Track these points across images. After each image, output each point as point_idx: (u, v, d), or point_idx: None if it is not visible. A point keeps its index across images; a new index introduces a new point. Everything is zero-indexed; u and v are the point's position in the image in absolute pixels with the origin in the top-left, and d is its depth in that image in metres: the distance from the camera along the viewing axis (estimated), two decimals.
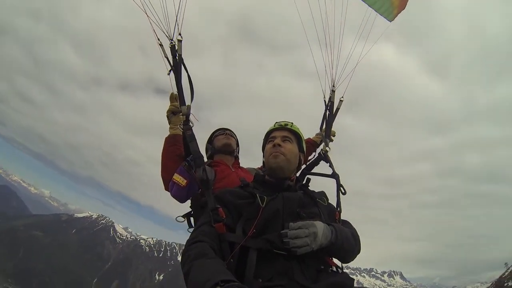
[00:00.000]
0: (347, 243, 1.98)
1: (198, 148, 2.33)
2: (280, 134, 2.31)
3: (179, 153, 2.62)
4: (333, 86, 3.10)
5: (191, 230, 2.18)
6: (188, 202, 2.66)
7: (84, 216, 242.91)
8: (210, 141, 3.22)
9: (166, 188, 2.64)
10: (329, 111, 3.14)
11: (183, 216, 2.55)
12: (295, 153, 2.30)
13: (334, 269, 2.00)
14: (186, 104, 2.41)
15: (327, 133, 3.10)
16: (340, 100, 3.12)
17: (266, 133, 2.42)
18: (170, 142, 2.66)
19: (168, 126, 2.73)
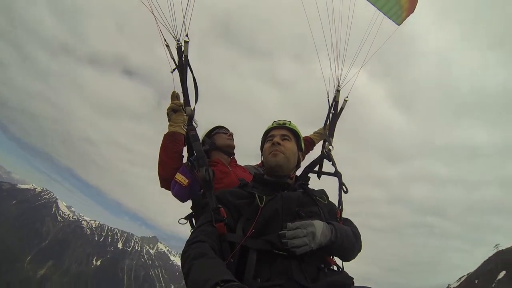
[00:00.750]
0: (347, 241, 1.97)
1: (202, 148, 2.36)
2: (279, 133, 2.32)
3: (177, 150, 2.63)
4: (339, 86, 3.14)
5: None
6: (188, 202, 2.67)
7: (27, 188, 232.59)
8: (209, 135, 3.18)
9: (162, 185, 2.69)
10: (333, 110, 3.17)
11: (185, 218, 2.54)
12: (294, 151, 2.32)
13: (335, 268, 2.03)
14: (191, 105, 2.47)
15: (330, 132, 3.10)
16: (345, 100, 3.17)
17: (265, 132, 2.43)
18: (169, 139, 2.64)
19: (168, 123, 2.72)
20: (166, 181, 2.62)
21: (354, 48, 3.03)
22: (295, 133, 2.37)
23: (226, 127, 3.23)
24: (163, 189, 2.72)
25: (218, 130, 3.16)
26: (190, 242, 1.77)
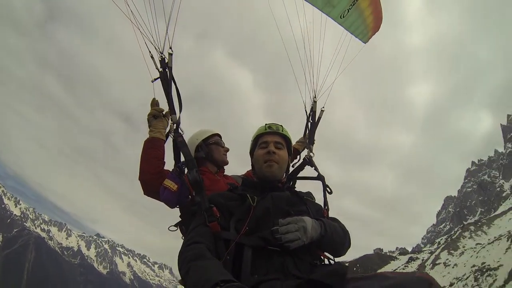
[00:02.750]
0: (336, 235, 2.04)
1: (190, 152, 2.41)
2: (272, 140, 2.30)
3: (155, 155, 2.63)
4: (315, 97, 3.36)
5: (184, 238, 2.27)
6: (176, 209, 2.70)
7: None
8: (206, 142, 3.16)
9: (145, 192, 2.68)
10: (311, 120, 3.39)
11: (175, 225, 2.59)
12: (286, 159, 2.35)
13: (327, 262, 2.09)
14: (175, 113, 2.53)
15: (310, 140, 3.31)
16: (322, 110, 3.39)
17: (257, 136, 2.39)
18: (147, 145, 2.65)
19: (148, 129, 2.73)
20: (148, 188, 2.65)
21: (327, 61, 3.31)
22: (287, 139, 2.39)
23: (220, 134, 3.27)
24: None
25: (217, 140, 3.18)
26: (186, 244, 1.81)
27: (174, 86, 2.52)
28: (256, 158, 2.33)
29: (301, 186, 3.08)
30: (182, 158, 2.46)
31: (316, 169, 2.93)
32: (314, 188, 2.60)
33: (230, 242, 1.86)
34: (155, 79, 2.50)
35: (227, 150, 3.22)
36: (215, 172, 3.12)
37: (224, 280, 1.37)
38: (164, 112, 2.71)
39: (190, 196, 2.53)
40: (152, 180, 2.60)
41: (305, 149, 3.36)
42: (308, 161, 3.05)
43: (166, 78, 2.49)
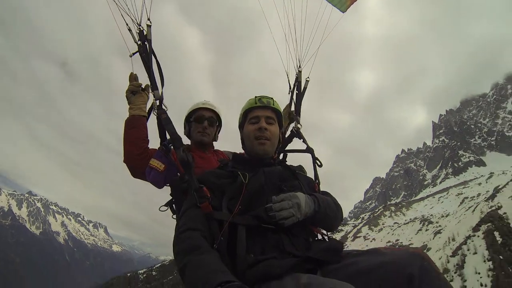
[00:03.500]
0: (329, 210, 2.00)
1: (175, 130, 2.26)
2: (264, 114, 2.19)
3: (138, 135, 2.49)
4: (299, 66, 3.17)
5: (176, 217, 2.29)
6: (166, 189, 2.52)
7: None
8: (188, 119, 2.98)
9: (133, 174, 2.56)
10: (297, 90, 3.20)
11: (166, 205, 2.39)
12: (278, 134, 2.25)
13: (321, 237, 2.04)
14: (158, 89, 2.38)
15: (297, 111, 3.13)
16: (307, 80, 3.21)
17: (246, 110, 2.25)
18: (129, 125, 2.49)
19: (128, 107, 2.56)
20: (134, 170, 2.53)
21: (310, 30, 3.11)
22: (278, 113, 2.27)
23: (212, 107, 2.96)
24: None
25: (197, 116, 2.91)
26: (180, 231, 1.73)
27: (155, 60, 2.39)
28: (247, 134, 2.21)
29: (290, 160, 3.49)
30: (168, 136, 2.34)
31: (304, 141, 2.78)
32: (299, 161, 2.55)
33: (224, 222, 1.79)
34: (134, 54, 2.37)
35: (205, 128, 2.89)
36: (206, 150, 2.95)
37: (224, 281, 1.33)
38: (143, 86, 2.57)
39: (178, 174, 2.42)
40: (137, 161, 2.49)
41: (290, 121, 3.22)
42: (296, 133, 2.94)
43: (146, 52, 2.36)
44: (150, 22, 2.34)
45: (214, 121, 2.97)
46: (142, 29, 2.34)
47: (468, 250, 64.25)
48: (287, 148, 2.94)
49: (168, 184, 2.46)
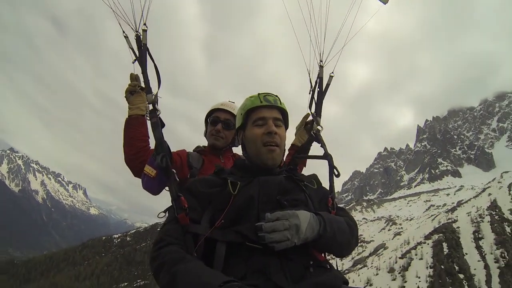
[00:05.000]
0: (340, 234, 1.64)
1: (162, 135, 2.06)
2: (271, 115, 1.83)
3: (133, 135, 2.42)
4: (321, 61, 2.75)
5: None
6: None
7: None
8: (207, 120, 2.81)
9: (133, 174, 2.48)
10: (318, 88, 2.74)
11: (165, 211, 2.03)
12: (285, 138, 1.90)
13: (326, 265, 1.65)
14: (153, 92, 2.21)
15: (318, 112, 2.69)
16: (330, 76, 2.77)
17: (250, 109, 1.86)
18: (125, 126, 2.44)
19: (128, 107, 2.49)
20: (131, 169, 2.47)
21: (336, 22, 2.74)
22: (284, 114, 1.93)
23: (230, 109, 2.71)
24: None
25: (212, 119, 2.73)
26: (157, 246, 1.53)
27: (153, 63, 2.26)
28: (252, 138, 1.82)
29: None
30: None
31: (323, 146, 2.41)
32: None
33: (200, 236, 1.57)
34: (135, 60, 2.27)
35: (217, 129, 2.67)
36: (222, 154, 2.75)
37: (224, 281, 1.23)
38: (143, 86, 2.38)
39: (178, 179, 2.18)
40: (133, 161, 2.42)
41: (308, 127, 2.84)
42: (315, 137, 2.56)
43: (142, 57, 2.22)
44: (146, 27, 2.25)
45: (231, 124, 2.70)
46: (139, 34, 2.25)
47: (415, 255, 72.62)
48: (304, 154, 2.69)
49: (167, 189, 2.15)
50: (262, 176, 1.74)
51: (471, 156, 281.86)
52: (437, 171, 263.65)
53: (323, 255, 1.74)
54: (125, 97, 2.53)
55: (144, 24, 2.27)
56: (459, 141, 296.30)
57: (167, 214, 1.96)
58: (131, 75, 2.50)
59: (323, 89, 2.75)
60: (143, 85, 2.35)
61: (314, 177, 1.95)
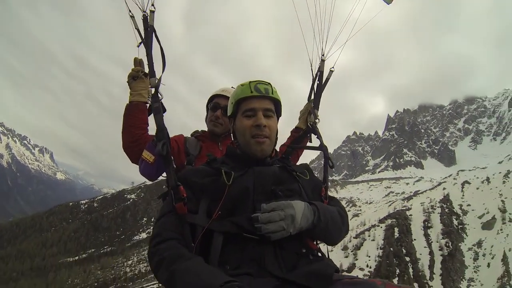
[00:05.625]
0: (332, 224, 1.67)
1: (163, 121, 2.01)
2: (261, 106, 1.77)
3: (133, 122, 2.38)
4: (323, 55, 2.77)
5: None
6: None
7: None
8: (207, 106, 2.75)
9: (131, 160, 2.45)
10: (318, 81, 2.78)
11: (159, 197, 2.19)
12: (276, 128, 1.86)
13: (318, 253, 1.68)
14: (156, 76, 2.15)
15: (316, 104, 2.75)
16: (331, 70, 2.82)
17: (240, 99, 1.80)
18: (125, 112, 2.39)
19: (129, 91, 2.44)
20: (130, 157, 2.44)
21: (339, 18, 2.75)
22: (277, 103, 1.86)
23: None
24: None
25: (213, 105, 2.67)
26: (156, 241, 1.52)
27: (159, 46, 2.21)
28: (241, 129, 1.79)
29: None
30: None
31: (319, 137, 2.42)
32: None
33: (197, 227, 1.57)
34: (140, 43, 2.22)
35: (217, 115, 2.62)
36: (221, 140, 2.68)
37: (225, 282, 1.21)
38: (146, 71, 2.38)
39: (175, 166, 2.25)
40: (131, 148, 2.40)
41: (309, 115, 2.83)
42: (312, 129, 2.60)
43: (148, 39, 2.17)
44: (154, 8, 2.17)
45: None
46: (146, 15, 2.18)
47: (368, 236, 77.65)
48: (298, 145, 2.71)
49: (164, 176, 2.16)
50: (255, 166, 1.73)
51: (435, 150, 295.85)
52: (401, 160, 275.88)
53: (315, 243, 1.76)
54: (127, 81, 2.48)
55: (152, 5, 2.20)
56: (426, 135, 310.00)
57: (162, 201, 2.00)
58: (135, 59, 2.43)
59: (323, 82, 2.81)
60: (146, 70, 2.32)
61: (306, 167, 1.95)
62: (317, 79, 2.79)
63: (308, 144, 2.71)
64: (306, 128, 2.68)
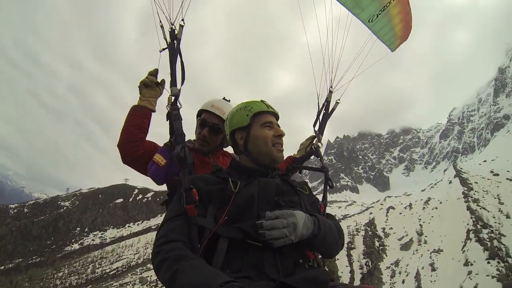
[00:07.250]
0: (330, 235, 1.80)
1: (181, 127, 2.22)
2: (275, 121, 2.07)
3: (137, 124, 2.47)
4: (331, 87, 3.14)
5: None
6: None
7: None
8: (197, 118, 2.84)
9: (123, 160, 2.48)
10: (325, 110, 3.11)
11: (162, 204, 2.34)
12: None
13: (314, 263, 1.84)
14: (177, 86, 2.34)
15: (321, 130, 3.08)
16: (337, 102, 3.17)
17: (256, 112, 2.03)
18: (131, 112, 2.49)
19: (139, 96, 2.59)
20: (124, 156, 2.48)
21: (349, 55, 3.08)
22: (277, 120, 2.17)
23: (220, 114, 2.64)
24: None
25: (201, 120, 2.72)
26: (160, 242, 1.61)
27: (180, 59, 2.39)
28: (262, 138, 1.99)
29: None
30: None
31: (321, 159, 2.76)
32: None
33: (205, 230, 1.67)
34: (163, 49, 2.40)
35: (204, 136, 2.64)
36: (211, 152, 2.76)
37: (225, 282, 1.28)
38: (158, 81, 2.56)
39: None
40: (128, 148, 2.44)
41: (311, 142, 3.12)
42: (315, 151, 2.93)
43: (173, 50, 2.36)
44: (184, 23, 2.37)
45: (218, 130, 2.65)
46: (174, 28, 2.36)
47: None
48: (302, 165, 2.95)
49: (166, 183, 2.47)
50: (259, 177, 1.88)
51: (370, 176, 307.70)
52: (338, 184, 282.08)
53: (313, 254, 1.85)
54: (138, 86, 2.58)
55: (182, 19, 2.37)
56: (363, 162, 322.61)
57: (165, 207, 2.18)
58: (154, 70, 2.55)
59: (329, 112, 3.10)
60: (158, 81, 2.54)
61: (305, 184, 2.11)
62: (323, 109, 3.11)
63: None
64: (310, 150, 2.96)
